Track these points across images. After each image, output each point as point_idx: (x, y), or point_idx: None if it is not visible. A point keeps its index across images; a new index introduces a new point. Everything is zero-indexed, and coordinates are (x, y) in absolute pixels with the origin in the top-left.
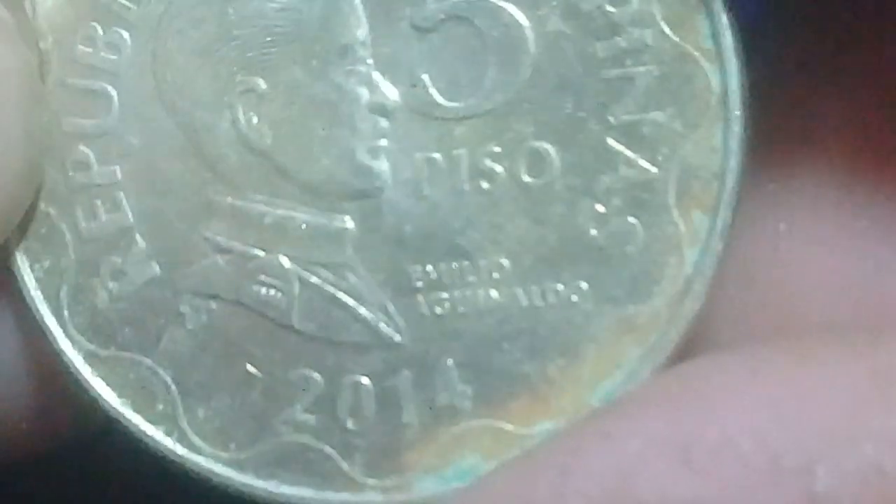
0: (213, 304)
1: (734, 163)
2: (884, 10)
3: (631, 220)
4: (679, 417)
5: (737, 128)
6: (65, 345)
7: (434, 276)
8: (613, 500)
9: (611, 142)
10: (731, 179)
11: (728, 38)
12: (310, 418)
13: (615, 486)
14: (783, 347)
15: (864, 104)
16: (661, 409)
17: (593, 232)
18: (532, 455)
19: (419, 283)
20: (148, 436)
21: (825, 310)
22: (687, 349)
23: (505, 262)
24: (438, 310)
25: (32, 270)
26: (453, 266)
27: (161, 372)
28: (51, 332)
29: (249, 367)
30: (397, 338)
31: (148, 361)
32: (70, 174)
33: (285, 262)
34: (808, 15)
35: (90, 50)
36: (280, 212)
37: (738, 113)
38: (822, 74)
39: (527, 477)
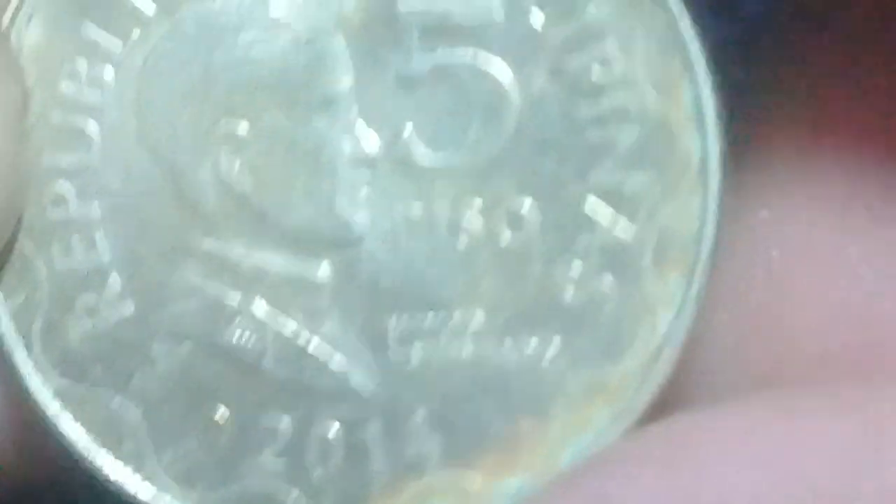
0: (186, 347)
1: (711, 228)
2: (880, 39)
3: (607, 281)
4: (674, 478)
5: (715, 194)
6: (35, 381)
7: (408, 328)
8: None
9: (590, 203)
10: (707, 244)
11: (710, 105)
12: (278, 464)
13: None
14: (776, 402)
15: (859, 130)
16: (658, 468)
17: (569, 292)
18: None
19: (393, 335)
20: (115, 474)
21: (820, 336)
22: (677, 381)
23: (479, 317)
24: (411, 362)
25: (5, 305)
26: (427, 319)
27: (131, 411)
28: (21, 366)
29: (220, 411)
30: (369, 387)
31: (118, 399)
32: (47, 209)
33: (260, 308)
34: (803, 41)
35: (74, 86)
36: (257, 258)
37: (717, 179)
38: (816, 101)
39: None
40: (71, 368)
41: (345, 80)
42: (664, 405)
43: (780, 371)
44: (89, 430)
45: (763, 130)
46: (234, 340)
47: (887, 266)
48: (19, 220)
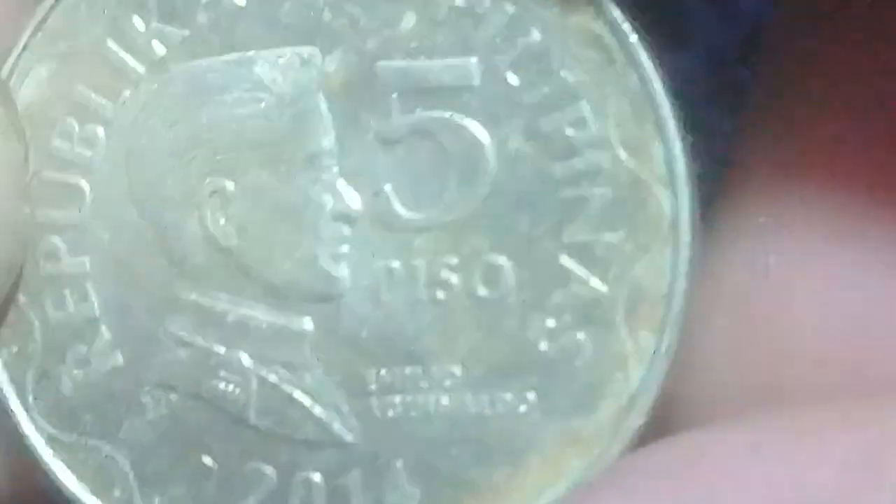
0: (174, 397)
1: (682, 285)
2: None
3: (580, 335)
4: (682, 495)
5: (686, 252)
6: (28, 428)
7: (388, 379)
8: None
9: (564, 260)
10: (678, 301)
11: (681, 165)
12: None
13: None
14: (778, 421)
15: (855, 136)
16: (663, 486)
17: (543, 345)
18: None
19: (373, 386)
20: None
21: (817, 342)
22: (674, 388)
23: (456, 370)
24: (391, 412)
25: (0, 355)
26: (407, 371)
27: (120, 459)
28: (15, 414)
29: (206, 459)
30: (349, 437)
31: (108, 448)
32: (41, 263)
33: (245, 359)
34: (799, 48)
35: (66, 145)
36: (242, 310)
37: (687, 238)
38: (811, 107)
39: None
40: (63, 417)
41: (326, 140)
42: (687, 375)
43: (777, 376)
44: (80, 477)
45: (761, 138)
46: (219, 391)
47: (884, 272)
48: (19, 275)
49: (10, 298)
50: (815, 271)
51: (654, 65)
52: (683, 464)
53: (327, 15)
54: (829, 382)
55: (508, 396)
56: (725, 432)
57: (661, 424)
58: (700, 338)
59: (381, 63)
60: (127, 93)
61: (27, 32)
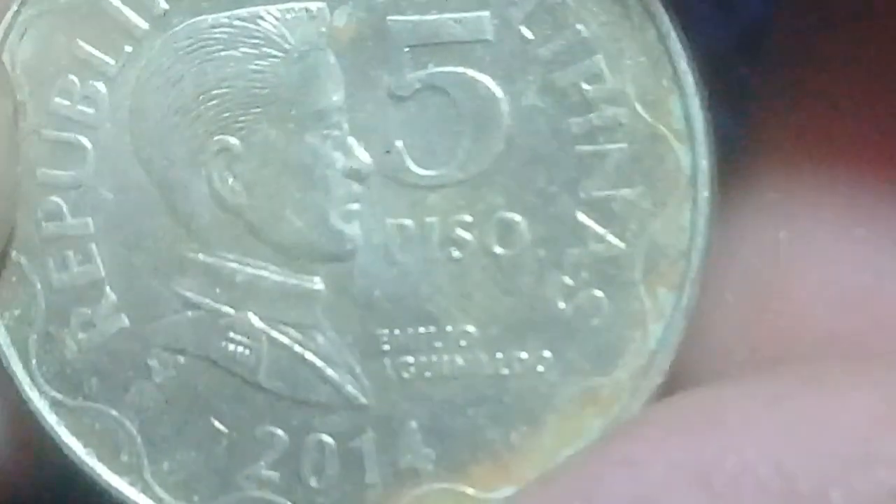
0: (181, 359)
1: (701, 242)
2: (883, 19)
3: (597, 293)
4: (700, 444)
5: (705, 208)
6: (32, 393)
7: (401, 340)
8: None
9: (581, 216)
10: (697, 258)
11: (700, 120)
12: (273, 475)
13: None
14: (799, 374)
15: (864, 113)
16: (682, 435)
17: (560, 304)
18: (555, 479)
19: (386, 347)
20: (112, 486)
21: (826, 317)
22: (684, 362)
23: (472, 329)
24: (405, 374)
25: (2, 318)
26: (421, 331)
27: (127, 423)
28: (18, 379)
29: (215, 423)
30: (363, 399)
31: (114, 412)
32: (42, 224)
33: (254, 320)
34: (809, 25)
35: (67, 102)
36: (251, 271)
37: (706, 193)
38: (822, 84)
39: (551, 502)
40: (67, 382)
41: (336, 96)
42: (696, 351)
43: (787, 352)
44: (86, 442)
45: (772, 116)
46: (229, 353)
47: (894, 248)
48: (11, 234)
49: (4, 258)
50: (826, 247)
51: (672, 18)
52: (702, 415)
53: None
54: (837, 357)
55: (525, 356)
56: (745, 385)
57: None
58: (711, 310)
59: (392, 17)
60: (129, 49)
61: None
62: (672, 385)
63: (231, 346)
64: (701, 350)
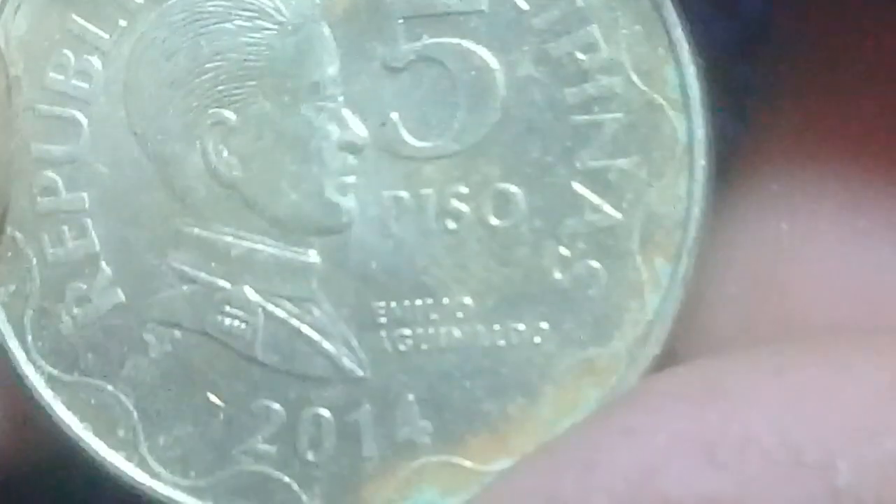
0: (177, 333)
1: (698, 211)
2: (883, 9)
3: (594, 264)
4: (703, 414)
5: (701, 177)
6: (27, 368)
7: (398, 312)
8: (637, 496)
9: (577, 187)
10: (693, 228)
11: (695, 89)
12: (270, 449)
13: (639, 482)
14: (805, 346)
15: (865, 105)
16: (685, 405)
17: (557, 274)
18: (555, 449)
19: (383, 319)
20: (108, 461)
21: (826, 308)
22: (682, 352)
23: (468, 301)
24: (401, 346)
25: None
26: (417, 303)
27: (123, 398)
28: (14, 355)
29: (211, 397)
30: (359, 372)
31: (110, 388)
32: (37, 199)
33: (250, 293)
34: (809, 16)
35: (61, 77)
36: (247, 244)
37: (703, 163)
38: (823, 76)
39: (551, 472)
40: (63, 357)
41: (331, 68)
42: (696, 341)
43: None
44: (82, 417)
45: (773, 107)
46: (224, 327)
47: (893, 239)
48: (7, 210)
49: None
50: (828, 239)
51: None
52: (706, 385)
53: None
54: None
55: (521, 327)
56: (749, 356)
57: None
58: (711, 303)
59: None
60: (124, 23)
61: None
62: (669, 360)
63: (227, 320)
64: (701, 343)
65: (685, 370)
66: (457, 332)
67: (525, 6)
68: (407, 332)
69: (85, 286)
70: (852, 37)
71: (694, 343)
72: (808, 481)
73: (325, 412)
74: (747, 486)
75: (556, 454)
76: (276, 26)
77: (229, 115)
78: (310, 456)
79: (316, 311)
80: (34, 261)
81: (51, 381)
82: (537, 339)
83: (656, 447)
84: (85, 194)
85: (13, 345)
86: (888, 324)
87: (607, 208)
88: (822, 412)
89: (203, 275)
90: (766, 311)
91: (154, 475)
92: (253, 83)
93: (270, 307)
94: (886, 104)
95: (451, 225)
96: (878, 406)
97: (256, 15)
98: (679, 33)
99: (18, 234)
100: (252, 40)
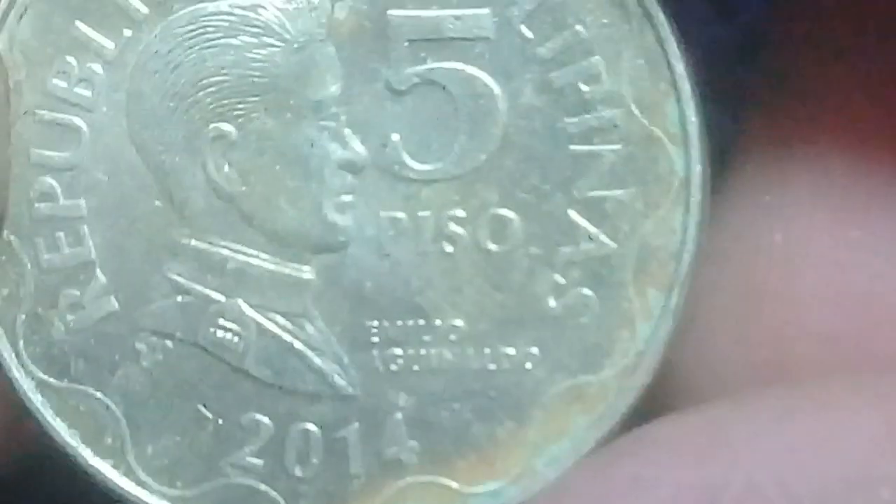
0: (170, 344)
1: (692, 244)
2: (878, 18)
3: (587, 292)
4: (707, 465)
5: (696, 211)
6: (18, 373)
7: (390, 332)
8: None
9: (573, 215)
10: (687, 260)
11: (694, 124)
12: (258, 462)
13: None
14: (804, 393)
15: (860, 116)
16: (689, 456)
17: (550, 301)
18: (560, 497)
19: (375, 339)
20: (95, 468)
21: (821, 319)
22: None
23: (461, 323)
24: (392, 366)
25: None
26: (410, 324)
27: (112, 406)
28: (4, 359)
29: (201, 408)
30: (350, 390)
31: (100, 395)
32: (35, 205)
33: (244, 307)
34: (803, 26)
35: (64, 84)
36: (243, 258)
37: (698, 197)
38: (817, 86)
39: None
40: (54, 362)
41: (334, 87)
42: (692, 349)
43: (782, 353)
44: (71, 424)
45: (767, 119)
46: (217, 339)
47: (888, 249)
48: (3, 213)
49: None
50: (821, 250)
51: (670, 23)
52: (709, 434)
53: None
54: (834, 359)
55: (512, 352)
56: (750, 404)
57: (665, 394)
58: (706, 313)
59: (393, 11)
60: (129, 33)
61: None
62: (662, 385)
63: (220, 333)
64: (696, 353)
65: (689, 417)
66: (448, 354)
67: (530, 35)
68: (398, 351)
69: (79, 293)
70: (848, 47)
71: (689, 354)
72: None
73: (314, 428)
74: None
75: (562, 502)
76: (281, 43)
77: (231, 129)
78: (297, 471)
79: (309, 328)
80: (28, 266)
81: (41, 386)
82: (528, 365)
83: (662, 498)
84: (83, 201)
85: (4, 349)
86: (882, 334)
87: (603, 238)
88: (822, 462)
89: (198, 286)
90: (760, 320)
91: (141, 484)
92: (256, 99)
93: (264, 321)
94: (879, 116)
95: (448, 248)
96: (876, 455)
97: (262, 31)
98: (681, 69)
99: (14, 239)
100: (256, 56)
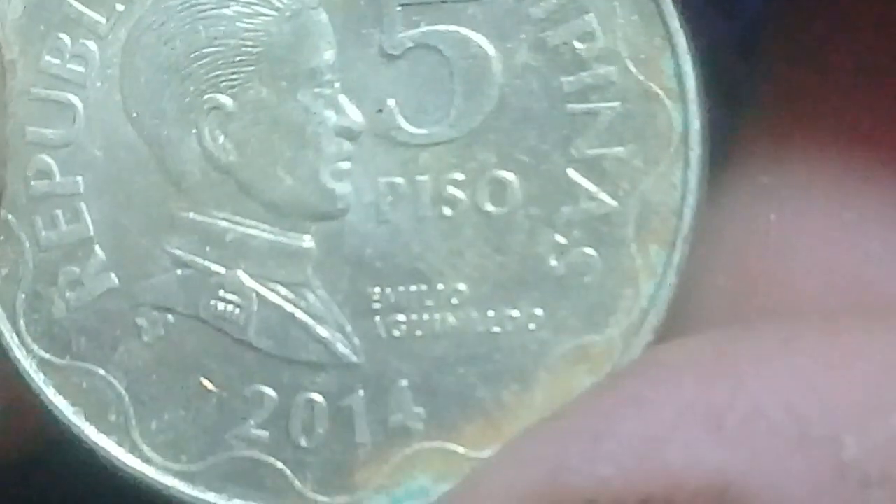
0: (171, 318)
1: (692, 200)
2: (878, 6)
3: (589, 251)
4: (711, 386)
5: (696, 166)
6: (19, 352)
7: (392, 298)
8: (644, 466)
9: (572, 174)
10: (688, 215)
11: (691, 79)
12: (263, 434)
13: (646, 452)
14: (814, 322)
15: (856, 98)
16: (693, 377)
17: (552, 262)
18: (563, 418)
19: (377, 305)
20: (99, 446)
21: (814, 299)
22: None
23: (463, 287)
24: (395, 332)
25: None
26: (412, 290)
27: (115, 383)
28: (5, 338)
29: (204, 382)
30: (353, 358)
31: (102, 372)
32: (31, 183)
33: (245, 278)
34: (804, 10)
35: (57, 61)
36: (242, 229)
37: (698, 151)
38: (815, 69)
39: (558, 440)
40: (55, 341)
41: (328, 55)
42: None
43: None
44: (74, 402)
45: (763, 102)
46: (218, 311)
47: (883, 230)
48: (1, 192)
49: None
50: (816, 230)
51: None
52: (714, 357)
53: None
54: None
55: (516, 314)
56: (757, 328)
57: None
58: (700, 294)
59: None
60: (121, 7)
61: None
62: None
63: (221, 305)
64: (691, 331)
65: (693, 341)
66: (451, 319)
67: None
68: (401, 318)
69: (78, 270)
70: (843, 34)
71: (683, 334)
72: (814, 455)
73: (319, 398)
74: (753, 458)
75: (564, 423)
76: (273, 12)
77: (226, 100)
78: (302, 441)
79: (310, 297)
80: (27, 244)
81: (42, 364)
82: (532, 326)
83: (663, 418)
84: (79, 178)
85: (5, 328)
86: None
87: (603, 196)
88: (830, 386)
89: (197, 259)
90: (754, 301)
91: (145, 460)
92: (250, 69)
93: (265, 292)
94: (874, 99)
95: (447, 212)
96: (886, 382)
97: (254, 1)
98: (676, 23)
99: (11, 218)
100: (250, 26)
